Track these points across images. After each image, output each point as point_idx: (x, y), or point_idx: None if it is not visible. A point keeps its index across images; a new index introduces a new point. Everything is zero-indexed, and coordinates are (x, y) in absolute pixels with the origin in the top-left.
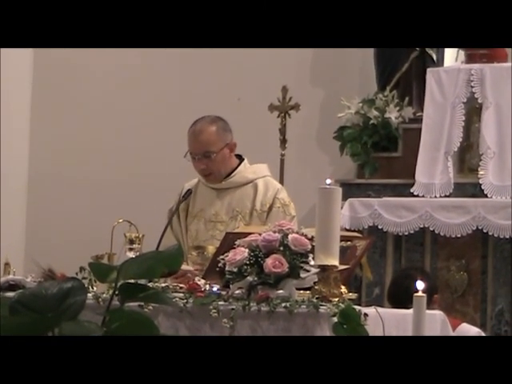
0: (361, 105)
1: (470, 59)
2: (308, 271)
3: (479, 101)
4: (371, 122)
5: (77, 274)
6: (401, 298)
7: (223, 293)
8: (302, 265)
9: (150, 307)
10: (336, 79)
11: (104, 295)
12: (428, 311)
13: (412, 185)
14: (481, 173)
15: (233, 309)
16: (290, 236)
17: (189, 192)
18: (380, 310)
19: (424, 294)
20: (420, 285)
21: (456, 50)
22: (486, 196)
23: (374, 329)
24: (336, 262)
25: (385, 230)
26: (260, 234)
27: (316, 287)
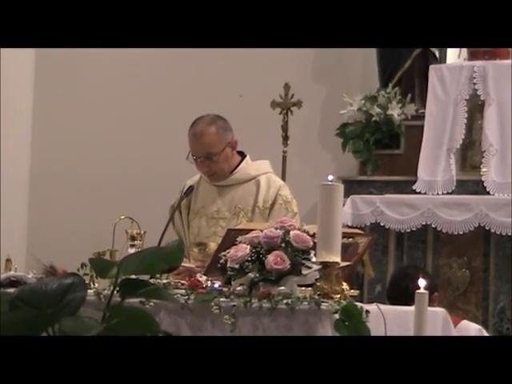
0: (363, 102)
1: (472, 56)
2: (310, 268)
3: (482, 98)
4: (373, 119)
5: (78, 270)
6: (400, 297)
7: (225, 289)
8: (303, 261)
9: (152, 304)
10: (338, 76)
11: (105, 291)
12: (430, 308)
13: (414, 182)
14: (483, 170)
15: (234, 305)
16: (291, 233)
17: (190, 188)
18: (382, 306)
19: (426, 291)
20: (422, 282)
21: None
22: (488, 193)
23: (375, 326)
24: (338, 259)
25: (387, 227)
26: (262, 231)
27: (318, 284)
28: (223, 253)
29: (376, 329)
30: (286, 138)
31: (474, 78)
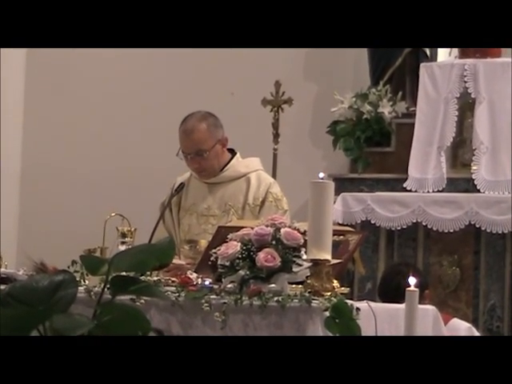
0: (354, 99)
1: (463, 54)
2: (300, 265)
3: (472, 96)
4: (364, 116)
5: (69, 267)
6: (391, 294)
7: (215, 287)
8: (294, 259)
9: (142, 301)
10: (329, 74)
11: (96, 289)
12: (420, 306)
13: (405, 180)
14: (474, 168)
15: (225, 303)
16: (282, 230)
17: (181, 186)
18: (372, 304)
19: (416, 289)
20: (412, 280)
21: None
22: (478, 191)
23: (366, 323)
24: (328, 257)
25: (377, 224)
26: (252, 228)
27: (308, 281)
28: (214, 250)
29: (366, 326)
30: (276, 136)
31: (465, 76)
